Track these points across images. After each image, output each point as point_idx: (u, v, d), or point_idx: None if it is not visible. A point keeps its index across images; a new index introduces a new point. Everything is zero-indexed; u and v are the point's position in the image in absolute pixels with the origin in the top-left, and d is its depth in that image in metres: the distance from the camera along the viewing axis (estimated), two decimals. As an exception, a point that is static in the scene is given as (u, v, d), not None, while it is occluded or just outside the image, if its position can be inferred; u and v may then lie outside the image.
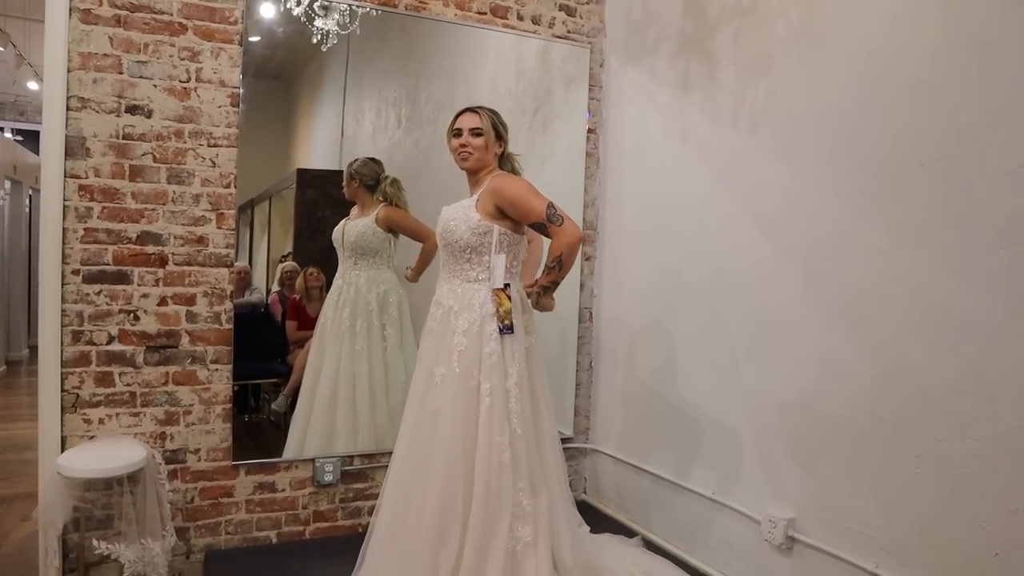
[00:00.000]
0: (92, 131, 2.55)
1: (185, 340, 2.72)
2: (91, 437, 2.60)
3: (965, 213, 1.88)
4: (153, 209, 2.64)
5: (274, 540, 2.92)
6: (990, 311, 1.82)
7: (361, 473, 3.06)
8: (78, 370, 2.58)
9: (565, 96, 3.44)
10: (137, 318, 2.64)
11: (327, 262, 3.11)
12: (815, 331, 2.32)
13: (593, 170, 3.50)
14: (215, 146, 2.71)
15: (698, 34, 2.85)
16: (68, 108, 2.51)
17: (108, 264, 2.60)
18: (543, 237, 2.38)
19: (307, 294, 3.13)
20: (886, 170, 2.09)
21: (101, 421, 2.62)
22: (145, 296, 2.65)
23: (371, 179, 3.06)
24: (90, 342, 2.59)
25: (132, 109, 2.60)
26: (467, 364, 2.22)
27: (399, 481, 2.27)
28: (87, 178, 2.55)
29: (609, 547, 2.69)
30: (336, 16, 2.93)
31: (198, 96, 2.68)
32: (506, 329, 2.23)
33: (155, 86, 2.62)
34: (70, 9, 2.49)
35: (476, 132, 2.33)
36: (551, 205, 2.23)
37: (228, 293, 2.77)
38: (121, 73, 2.57)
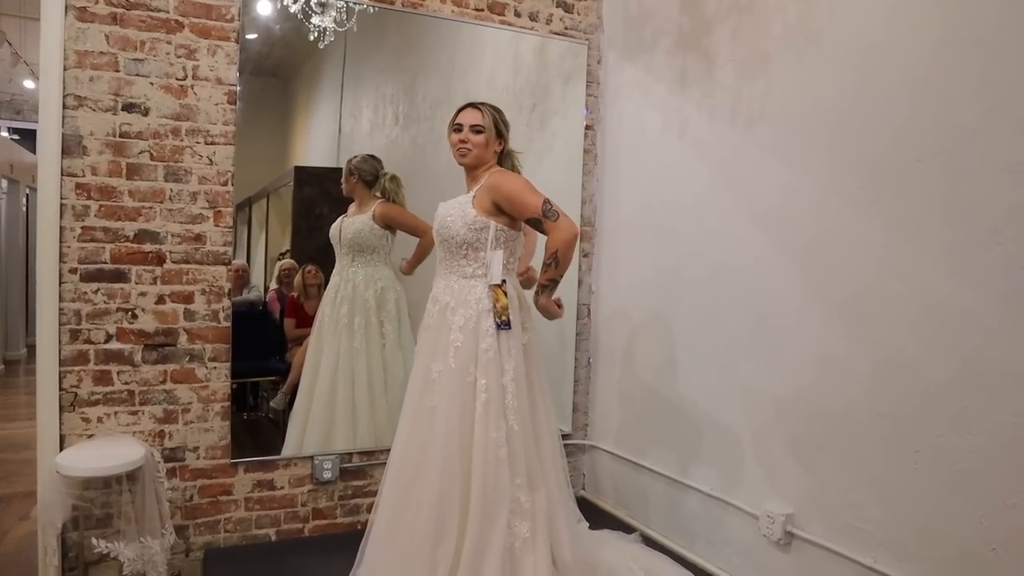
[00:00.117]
0: (89, 129, 2.54)
1: (183, 338, 2.71)
2: (90, 436, 2.60)
3: (963, 209, 1.88)
4: (150, 207, 2.64)
5: (273, 538, 2.93)
6: (987, 307, 1.82)
7: (360, 470, 3.06)
8: (76, 369, 2.57)
9: (563, 93, 3.43)
10: (135, 316, 2.64)
11: (325, 259, 3.11)
12: (813, 327, 2.32)
13: (591, 167, 3.50)
14: (212, 144, 2.71)
15: (695, 31, 2.85)
16: (64, 106, 2.51)
17: (105, 262, 2.59)
18: (537, 232, 2.39)
19: (305, 292, 3.13)
20: (884, 167, 2.09)
21: (100, 420, 2.61)
22: (143, 294, 2.65)
23: (370, 175, 3.05)
24: (88, 341, 2.59)
25: (129, 107, 2.59)
26: (463, 360, 2.22)
27: (397, 478, 2.27)
28: (84, 176, 2.55)
29: (608, 543, 2.69)
30: (333, 13, 2.92)
31: (195, 94, 2.68)
32: (503, 325, 2.23)
33: (152, 84, 2.61)
34: (66, 7, 2.48)
35: (477, 129, 2.32)
36: (547, 201, 2.23)
37: (226, 291, 2.76)
38: (118, 71, 2.57)
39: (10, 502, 3.96)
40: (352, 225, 3.05)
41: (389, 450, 2.39)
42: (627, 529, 2.97)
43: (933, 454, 1.94)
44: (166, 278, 2.68)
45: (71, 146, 2.52)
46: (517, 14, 3.27)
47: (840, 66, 2.24)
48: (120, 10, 2.55)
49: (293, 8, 2.85)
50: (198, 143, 2.69)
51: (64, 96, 2.50)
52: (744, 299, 2.60)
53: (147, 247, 2.64)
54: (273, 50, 2.93)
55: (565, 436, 3.42)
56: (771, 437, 2.48)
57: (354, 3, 2.93)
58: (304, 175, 3.12)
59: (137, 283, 2.64)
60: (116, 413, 2.64)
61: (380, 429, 3.07)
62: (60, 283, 2.53)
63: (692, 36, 2.87)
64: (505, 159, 2.43)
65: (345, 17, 2.94)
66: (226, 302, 2.77)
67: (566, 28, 3.39)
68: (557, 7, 3.36)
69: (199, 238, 2.71)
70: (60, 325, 2.54)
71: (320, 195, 3.12)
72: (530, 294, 2.43)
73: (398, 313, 3.12)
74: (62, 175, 2.52)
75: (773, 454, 2.47)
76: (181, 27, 2.64)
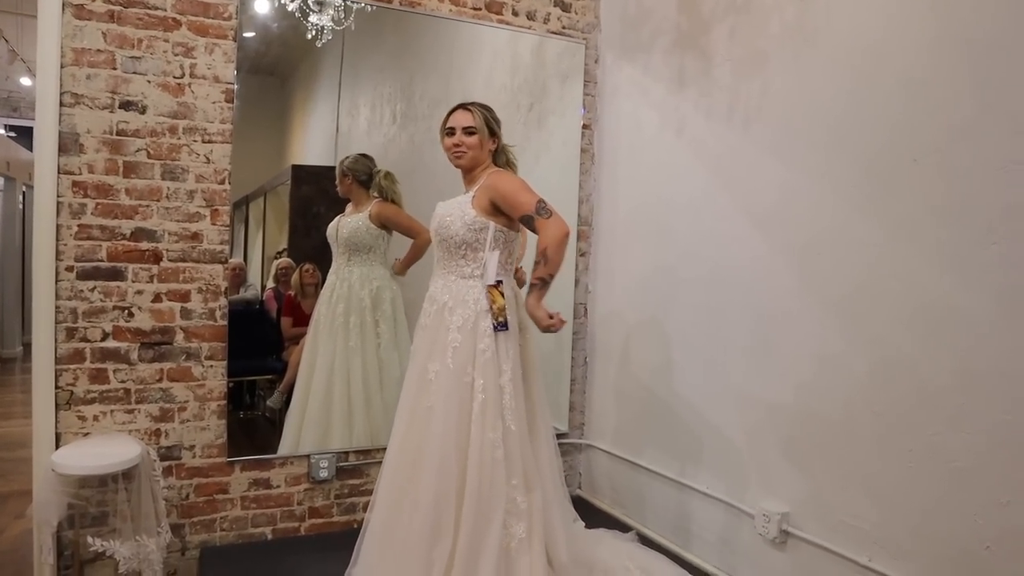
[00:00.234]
0: (86, 127, 2.54)
1: (180, 337, 2.71)
2: (85, 434, 2.60)
3: (958, 209, 1.89)
4: (147, 205, 2.64)
5: (269, 536, 2.92)
6: (982, 306, 1.83)
7: (356, 469, 3.06)
8: (72, 367, 2.57)
9: (560, 92, 3.44)
10: (131, 315, 2.64)
11: (322, 258, 3.10)
12: (809, 326, 2.33)
13: (588, 166, 3.51)
14: (209, 142, 2.71)
15: (693, 30, 2.85)
16: (61, 104, 2.50)
17: (102, 261, 2.59)
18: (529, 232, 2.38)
19: (302, 290, 3.13)
20: (880, 166, 2.10)
21: (96, 418, 2.61)
22: (139, 293, 2.65)
23: (364, 175, 3.05)
24: (84, 339, 2.58)
25: (126, 105, 2.59)
26: (461, 361, 2.22)
27: (393, 477, 2.27)
28: (81, 174, 2.54)
29: (604, 542, 2.70)
30: (331, 12, 2.92)
31: (192, 92, 2.67)
32: (500, 326, 2.23)
33: (149, 82, 2.61)
34: (63, 4, 2.48)
35: (469, 131, 2.32)
36: (542, 200, 2.23)
37: (223, 289, 2.76)
38: (115, 69, 2.57)
39: (6, 501, 3.95)
40: (348, 224, 3.05)
41: (385, 449, 2.39)
42: (623, 528, 2.97)
43: (928, 453, 1.95)
44: (163, 276, 2.67)
45: (68, 144, 2.52)
46: (515, 13, 3.27)
47: (837, 65, 2.25)
48: (118, 8, 2.55)
49: (291, 6, 2.84)
50: (195, 141, 2.69)
51: (61, 94, 2.50)
52: (741, 298, 2.61)
53: (144, 245, 2.64)
54: (271, 48, 2.92)
55: (562, 435, 3.43)
56: (767, 436, 2.49)
57: (352, 2, 2.93)
58: (301, 174, 3.12)
59: (134, 281, 2.64)
60: (112, 411, 2.63)
61: (376, 428, 3.07)
62: (56, 281, 2.53)
63: (690, 35, 2.87)
64: (499, 155, 2.43)
65: (343, 15, 2.94)
66: (223, 300, 2.77)
67: (564, 27, 3.39)
68: (555, 6, 3.36)
69: (196, 236, 2.71)
70: (56, 323, 2.54)
71: (317, 194, 3.12)
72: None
73: (394, 312, 3.12)
74: (59, 173, 2.51)
75: (769, 453, 2.48)
76: (179, 25, 2.64)
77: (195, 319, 2.73)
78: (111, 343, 2.62)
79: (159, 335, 2.68)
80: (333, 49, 2.99)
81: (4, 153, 8.31)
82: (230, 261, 2.80)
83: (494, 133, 2.37)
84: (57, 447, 2.53)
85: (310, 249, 3.14)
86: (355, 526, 2.93)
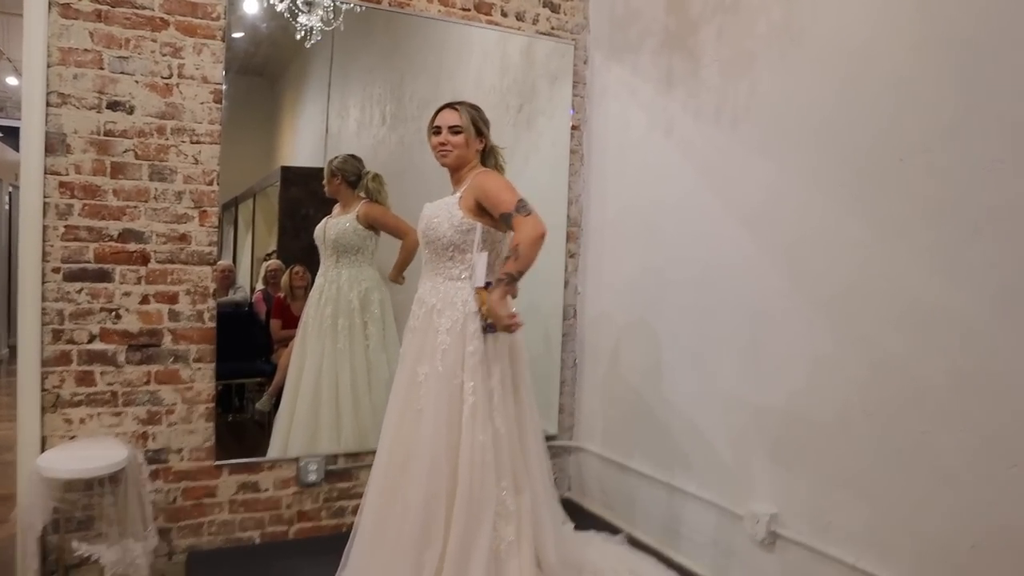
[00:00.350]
0: (72, 127, 2.52)
1: (167, 339, 2.69)
2: (72, 437, 2.57)
3: (944, 208, 1.90)
4: (135, 206, 2.62)
5: (257, 540, 2.90)
6: (969, 305, 1.84)
7: (345, 472, 3.05)
8: (59, 369, 2.55)
9: (549, 93, 3.44)
10: (119, 316, 2.62)
11: (312, 260, 3.09)
12: (798, 327, 2.34)
13: (577, 167, 3.51)
14: (198, 143, 2.69)
15: (681, 31, 2.86)
16: (48, 104, 2.48)
17: (89, 262, 2.57)
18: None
19: (292, 293, 3.11)
20: (867, 165, 2.11)
21: (82, 421, 2.59)
22: (127, 294, 2.63)
23: (353, 175, 3.04)
24: (71, 341, 2.56)
25: (113, 105, 2.57)
26: (450, 363, 2.22)
27: (383, 480, 2.26)
28: (68, 175, 2.52)
29: (593, 545, 2.70)
30: (320, 12, 2.91)
31: (180, 92, 2.66)
32: (489, 328, 2.22)
33: (137, 82, 2.60)
34: (49, 3, 2.46)
35: (455, 130, 2.32)
36: (523, 200, 2.21)
37: (211, 291, 2.75)
38: (102, 69, 2.55)
39: (-9, 505, 3.91)
40: (336, 226, 3.04)
41: (374, 452, 2.38)
42: (613, 530, 2.96)
43: (916, 453, 1.96)
44: (150, 278, 2.66)
45: (55, 144, 2.50)
46: (504, 14, 3.27)
47: (824, 66, 2.26)
48: (105, 7, 2.53)
49: (280, 7, 2.83)
50: (183, 142, 2.67)
51: (48, 93, 2.48)
52: (730, 299, 2.61)
53: (131, 247, 2.62)
54: (260, 49, 2.91)
55: (551, 437, 3.42)
56: (756, 437, 2.49)
57: (341, 2, 2.93)
58: (291, 175, 3.11)
59: (121, 283, 2.62)
60: (99, 414, 2.61)
61: (364, 430, 3.05)
62: (43, 282, 2.51)
63: (678, 36, 2.88)
64: (488, 156, 2.42)
65: (332, 16, 2.93)
66: (211, 303, 2.75)
67: (552, 28, 3.40)
68: (543, 7, 3.36)
69: (184, 238, 2.69)
70: (42, 325, 2.51)
71: (307, 195, 3.11)
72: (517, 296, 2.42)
73: (382, 314, 3.11)
74: (45, 173, 2.49)
75: (758, 454, 2.48)
76: (166, 25, 2.62)
77: (183, 321, 2.71)
78: (98, 345, 2.60)
79: (147, 337, 2.66)
80: (322, 50, 2.98)
81: (-10, 154, 8.25)
82: (219, 263, 2.79)
83: (481, 133, 2.37)
84: (43, 450, 2.50)
85: (300, 251, 3.13)
86: (344, 530, 2.91)
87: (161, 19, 2.61)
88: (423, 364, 2.25)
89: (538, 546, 2.28)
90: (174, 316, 2.70)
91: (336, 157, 3.03)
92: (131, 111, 2.59)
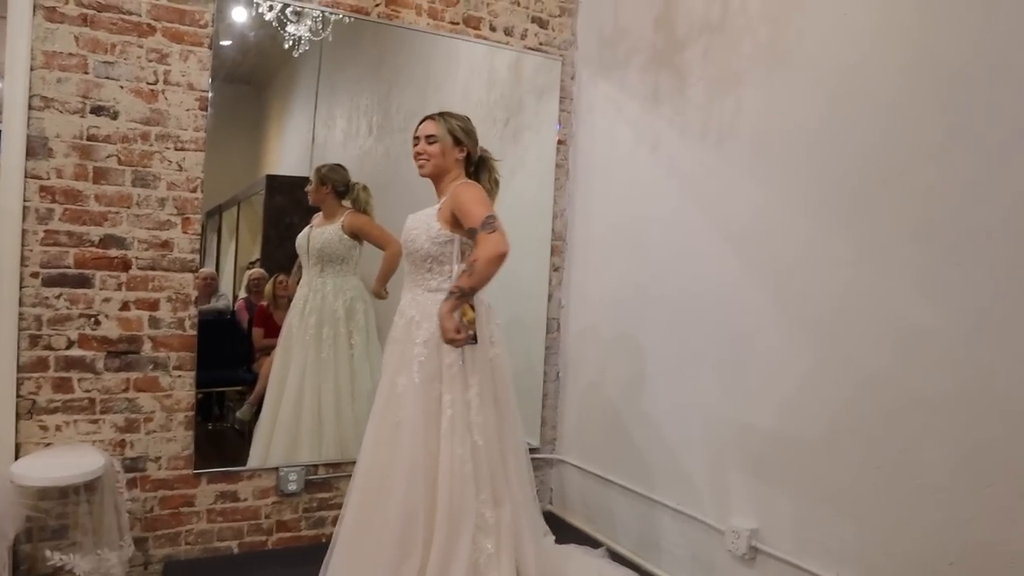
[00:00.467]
0: (55, 131, 2.50)
1: (147, 346, 2.67)
2: (47, 444, 2.53)
3: (926, 229, 1.93)
4: (117, 212, 2.60)
5: (236, 550, 2.87)
6: (949, 326, 1.86)
7: (325, 483, 3.02)
8: (35, 375, 2.51)
9: (536, 108, 3.46)
10: (98, 323, 2.59)
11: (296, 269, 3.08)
12: (781, 344, 2.35)
13: (562, 181, 3.53)
14: (182, 150, 2.68)
15: (668, 49, 2.89)
16: (30, 107, 2.46)
17: (69, 267, 2.54)
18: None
19: (275, 302, 3.09)
20: (851, 186, 2.14)
21: (58, 428, 2.55)
22: (107, 300, 2.60)
23: (342, 185, 3.04)
24: (48, 347, 2.53)
25: (97, 110, 2.55)
26: (428, 375, 2.21)
27: (362, 492, 2.25)
28: (49, 179, 2.50)
29: (574, 558, 2.69)
30: (308, 22, 2.92)
31: (166, 99, 2.65)
32: (470, 339, 2.20)
33: (122, 87, 2.58)
34: (34, 6, 2.44)
35: (431, 140, 2.34)
36: (492, 216, 2.17)
37: (193, 299, 2.72)
38: (87, 73, 2.53)
39: (-39, 513, 3.83)
40: (321, 235, 3.03)
41: (355, 462, 2.36)
42: (594, 544, 2.96)
43: (895, 470, 1.98)
44: (131, 284, 2.63)
45: (36, 148, 2.48)
46: (492, 28, 3.29)
47: (809, 87, 2.29)
48: (91, 11, 2.52)
49: (268, 16, 2.84)
50: (168, 148, 2.66)
51: (30, 97, 2.46)
52: (714, 315, 2.63)
53: (112, 252, 2.60)
54: (247, 57, 2.91)
55: (533, 450, 3.42)
56: (737, 453, 2.50)
57: (330, 13, 2.93)
58: (276, 184, 3.10)
59: (101, 289, 2.59)
60: (76, 421, 2.58)
61: (346, 440, 3.04)
62: (21, 287, 2.48)
63: (665, 54, 2.91)
64: (483, 169, 2.42)
65: (320, 26, 2.93)
66: (192, 310, 2.73)
67: (540, 44, 3.42)
68: (532, 23, 3.39)
69: (166, 244, 2.67)
70: (19, 330, 2.48)
71: (292, 204, 3.10)
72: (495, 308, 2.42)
73: (367, 324, 3.10)
74: (26, 177, 2.47)
75: (739, 469, 2.49)
76: (153, 31, 2.61)
77: (164, 328, 2.69)
78: (76, 351, 2.57)
79: (126, 344, 2.63)
80: (310, 60, 2.98)
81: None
82: (201, 270, 2.77)
83: (460, 142, 2.36)
84: (16, 457, 2.46)
85: (283, 260, 3.11)
86: (324, 540, 2.89)
87: (148, 25, 2.61)
88: (402, 375, 2.25)
89: (518, 559, 2.27)
90: (154, 323, 2.67)
91: (324, 165, 3.03)
92: (115, 116, 2.58)
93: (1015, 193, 1.73)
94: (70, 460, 2.41)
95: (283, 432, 2.96)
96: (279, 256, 3.12)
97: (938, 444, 1.87)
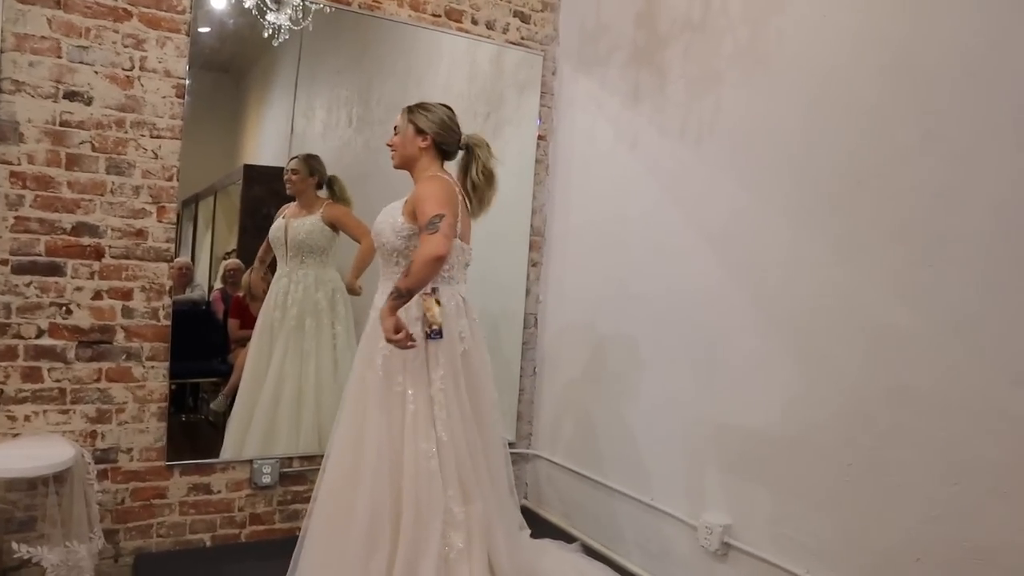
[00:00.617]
0: (26, 116, 2.45)
1: (120, 336, 2.63)
2: (15, 435, 2.49)
3: (897, 231, 1.96)
4: (90, 200, 2.56)
5: (208, 543, 2.85)
6: (918, 327, 1.89)
7: (300, 475, 3.01)
8: (3, 364, 2.47)
9: (517, 102, 3.45)
10: (69, 312, 2.55)
11: (272, 260, 3.05)
12: (756, 343, 2.38)
13: (542, 176, 3.53)
14: (158, 137, 2.64)
15: (649, 46, 2.90)
16: (1, 91, 2.41)
17: (40, 255, 2.50)
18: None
19: (251, 292, 3.06)
20: (826, 186, 2.16)
21: (27, 418, 2.51)
22: (79, 289, 2.56)
23: (323, 175, 3.03)
24: (17, 336, 2.48)
25: (71, 95, 2.51)
26: (391, 369, 2.20)
27: (331, 485, 2.24)
28: (20, 165, 2.45)
29: (548, 552, 2.70)
30: (288, 11, 2.88)
31: (142, 85, 2.61)
32: (434, 334, 2.18)
33: (96, 73, 2.54)
34: (6, -12, 2.40)
35: (397, 130, 2.35)
36: (440, 216, 2.11)
37: (167, 289, 2.69)
38: (60, 57, 2.49)
39: (-74, 504, 3.76)
40: (302, 226, 3.00)
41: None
42: (568, 538, 2.98)
43: (865, 468, 2.01)
44: (104, 273, 2.59)
45: (6, 132, 2.43)
46: (474, 22, 3.28)
47: (788, 87, 2.31)
48: (65, -5, 2.48)
49: (248, 3, 2.80)
50: (143, 136, 2.62)
51: (0, 80, 2.41)
52: (690, 313, 2.65)
53: (85, 240, 2.56)
54: (226, 45, 2.87)
55: (509, 445, 3.42)
56: (711, 450, 2.53)
57: (310, 2, 2.90)
58: (254, 174, 3.06)
59: (73, 277, 2.55)
60: (45, 412, 2.54)
61: (324, 432, 3.01)
62: (-11, 275, 2.43)
63: (646, 52, 2.92)
64: (471, 160, 2.37)
65: (301, 16, 2.90)
66: (167, 300, 2.69)
67: (522, 38, 3.42)
68: (514, 17, 3.38)
69: (140, 233, 2.64)
70: (-12, 318, 2.44)
71: (269, 195, 3.07)
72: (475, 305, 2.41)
73: (347, 315, 3.09)
74: (-4, 162, 2.42)
75: (713, 466, 2.52)
76: (129, 16, 2.57)
77: (137, 318, 2.65)
78: (47, 340, 2.52)
79: (98, 334, 2.60)
80: (290, 49, 2.95)
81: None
82: (176, 260, 2.73)
83: (421, 131, 2.32)
84: (-16, 448, 2.42)
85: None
86: (297, 533, 2.84)
87: (124, 10, 2.56)
88: (369, 369, 2.24)
89: (492, 554, 2.26)
90: (128, 313, 2.64)
91: (308, 154, 3.01)
92: (89, 102, 2.53)
93: (989, 195, 1.76)
94: (39, 451, 2.36)
95: (260, 424, 2.93)
96: (256, 247, 3.09)
97: (909, 442, 1.90)
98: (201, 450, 2.85)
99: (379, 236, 2.30)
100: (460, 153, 2.42)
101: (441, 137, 2.34)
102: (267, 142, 3.14)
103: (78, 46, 2.51)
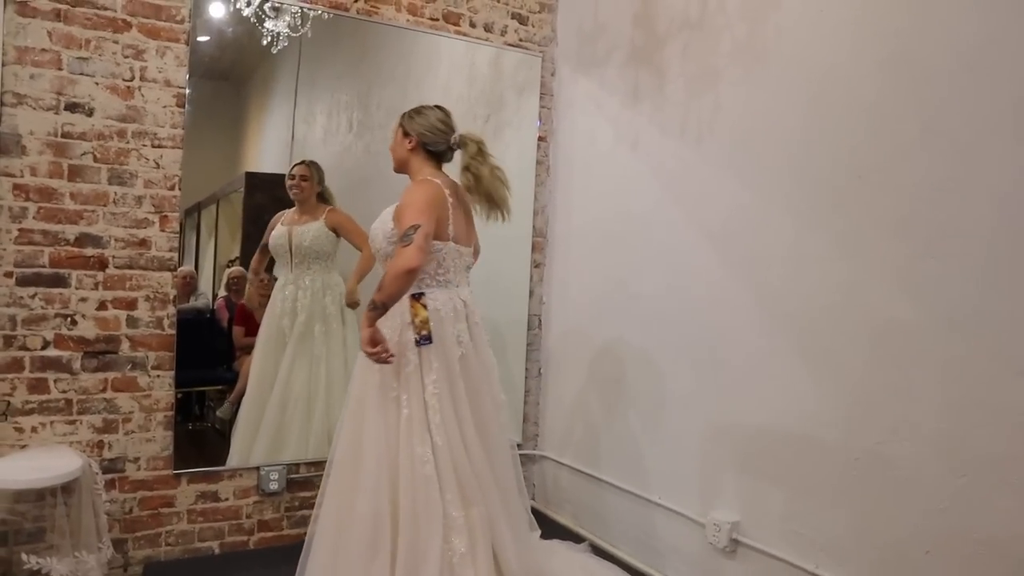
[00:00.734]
0: (28, 128, 2.46)
1: (125, 345, 2.64)
2: (23, 447, 2.50)
3: (899, 225, 1.96)
4: (93, 210, 2.57)
5: (217, 551, 2.85)
6: (922, 319, 1.89)
7: (307, 481, 3.01)
8: (10, 376, 2.48)
9: (516, 104, 3.46)
10: (75, 323, 2.56)
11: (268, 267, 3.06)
12: (758, 339, 2.38)
13: (543, 177, 3.53)
14: (159, 147, 2.65)
15: (648, 46, 2.91)
16: (3, 104, 2.42)
17: (44, 266, 2.51)
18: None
19: (251, 304, 3.07)
20: (828, 182, 2.16)
21: (34, 429, 2.52)
22: (83, 300, 2.57)
23: (323, 182, 3.05)
24: (23, 347, 2.49)
25: (72, 107, 2.52)
26: (387, 375, 2.20)
27: (334, 490, 2.24)
28: (22, 177, 2.46)
29: (558, 554, 2.70)
30: (287, 18, 2.89)
31: (142, 95, 2.62)
32: (423, 340, 2.17)
33: (97, 84, 2.55)
34: (5, 1, 2.40)
35: (392, 136, 2.37)
36: (415, 228, 2.09)
37: (171, 297, 2.70)
38: (60, 69, 2.50)
39: (-65, 517, 3.77)
40: (308, 232, 3.01)
41: (336, 461, 2.36)
42: (576, 539, 2.98)
43: (871, 461, 2.01)
44: (108, 283, 2.60)
45: (9, 145, 2.44)
46: (472, 25, 3.29)
47: (787, 83, 2.31)
48: (65, 7, 2.48)
49: (246, 12, 2.81)
50: (144, 146, 2.63)
51: (2, 93, 2.42)
52: (694, 311, 2.65)
53: (89, 251, 2.56)
54: (225, 54, 2.88)
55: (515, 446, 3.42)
56: (717, 447, 2.53)
57: (308, 9, 2.91)
58: (255, 181, 3.07)
59: (78, 288, 2.56)
60: (52, 422, 2.54)
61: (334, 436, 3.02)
62: (-6, 287, 2.44)
63: (644, 51, 2.92)
64: (471, 158, 2.32)
65: (299, 22, 2.91)
66: (171, 309, 2.70)
67: (520, 40, 3.42)
68: (512, 19, 3.39)
69: (144, 243, 2.64)
70: (-6, 331, 2.45)
71: (271, 202, 3.08)
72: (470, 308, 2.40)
73: (355, 318, 3.10)
74: (-1, 175, 2.43)
75: (719, 463, 2.52)
76: (129, 27, 2.58)
77: (142, 328, 2.66)
78: (52, 352, 2.53)
79: (103, 344, 2.60)
80: (289, 56, 2.96)
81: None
82: (180, 269, 2.74)
83: (407, 133, 2.34)
84: (-8, 460, 2.43)
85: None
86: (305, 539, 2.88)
87: (123, 21, 2.57)
88: (368, 374, 2.24)
89: (499, 556, 2.26)
90: (132, 323, 2.64)
91: (312, 161, 3.02)
92: (90, 113, 2.54)
93: (989, 188, 1.76)
94: (47, 462, 2.37)
95: (268, 431, 2.94)
96: (259, 254, 3.10)
97: (914, 435, 1.90)
98: (208, 458, 2.86)
99: (373, 242, 2.32)
100: (458, 153, 2.40)
101: (426, 138, 2.33)
102: (268, 149, 3.15)
103: (78, 58, 2.52)
